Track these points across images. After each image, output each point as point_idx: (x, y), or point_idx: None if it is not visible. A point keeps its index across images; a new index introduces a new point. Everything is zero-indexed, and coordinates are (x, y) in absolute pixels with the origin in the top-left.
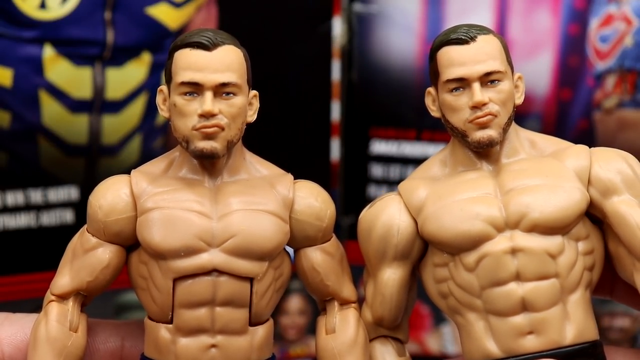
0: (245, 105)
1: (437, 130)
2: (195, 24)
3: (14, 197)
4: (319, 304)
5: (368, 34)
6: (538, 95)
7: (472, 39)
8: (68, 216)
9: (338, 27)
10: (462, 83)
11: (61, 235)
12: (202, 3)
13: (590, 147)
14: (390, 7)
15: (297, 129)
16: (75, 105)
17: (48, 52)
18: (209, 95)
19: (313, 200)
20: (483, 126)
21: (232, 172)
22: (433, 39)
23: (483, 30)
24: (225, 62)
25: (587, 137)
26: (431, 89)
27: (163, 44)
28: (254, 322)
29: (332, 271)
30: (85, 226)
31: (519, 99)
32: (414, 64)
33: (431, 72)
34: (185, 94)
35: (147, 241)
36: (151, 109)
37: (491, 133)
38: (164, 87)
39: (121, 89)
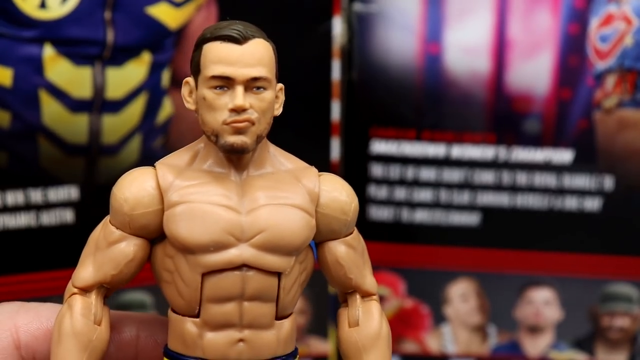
0: (274, 99)
1: (437, 130)
2: (195, 23)
3: (14, 197)
4: (340, 296)
5: (368, 33)
6: (538, 95)
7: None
8: (68, 216)
9: (338, 27)
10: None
11: (61, 235)
12: (202, 3)
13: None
14: (390, 7)
15: (297, 128)
16: (75, 105)
17: (48, 51)
18: (240, 89)
19: (338, 194)
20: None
21: (257, 165)
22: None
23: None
24: (256, 55)
25: (587, 136)
26: (190, 80)
27: (163, 43)
28: (279, 316)
29: (355, 264)
30: (108, 218)
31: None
32: (414, 63)
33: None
34: (216, 87)
35: (175, 236)
36: (151, 108)
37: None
38: (190, 79)
39: (121, 88)
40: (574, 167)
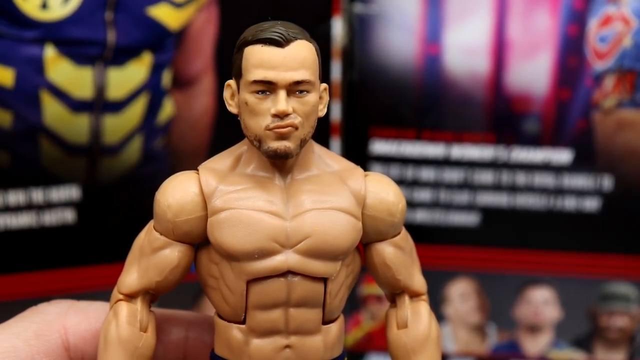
0: (318, 102)
1: (437, 130)
2: (196, 24)
3: (15, 197)
4: (387, 297)
5: (368, 34)
6: (537, 96)
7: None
8: (69, 216)
9: (338, 27)
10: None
11: (62, 235)
12: (203, 3)
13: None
14: (390, 7)
15: None
16: (76, 105)
17: (49, 52)
18: (282, 94)
19: (385, 195)
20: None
21: (302, 168)
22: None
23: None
24: (298, 59)
25: (586, 137)
26: (232, 82)
27: (164, 44)
28: (326, 320)
29: (403, 265)
30: (152, 223)
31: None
32: (414, 64)
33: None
34: (258, 92)
35: (219, 243)
36: (152, 109)
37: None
38: (232, 82)
39: (122, 89)
40: (573, 167)
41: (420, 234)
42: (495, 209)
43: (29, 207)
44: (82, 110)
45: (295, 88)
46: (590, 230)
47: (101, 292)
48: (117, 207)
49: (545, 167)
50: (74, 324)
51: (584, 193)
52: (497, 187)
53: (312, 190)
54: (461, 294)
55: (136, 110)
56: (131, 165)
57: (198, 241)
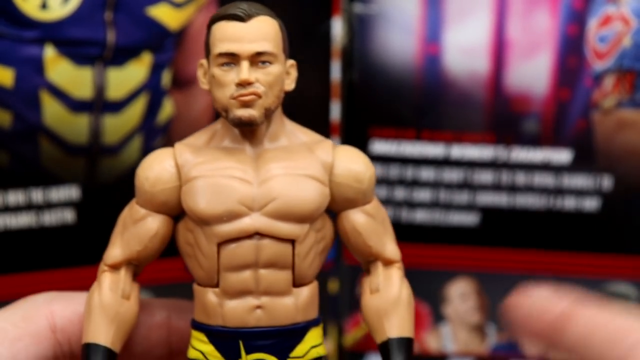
0: (282, 74)
1: (437, 130)
2: (196, 24)
3: (15, 197)
4: (363, 265)
5: (368, 34)
6: (536, 96)
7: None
8: (69, 216)
9: (338, 27)
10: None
11: (62, 235)
12: (203, 3)
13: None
14: (390, 7)
15: None
16: (76, 105)
17: (49, 52)
18: (245, 64)
19: (353, 164)
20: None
21: (272, 139)
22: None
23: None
24: (260, 32)
25: (585, 137)
26: (204, 61)
27: (163, 44)
28: (297, 283)
29: (374, 232)
30: (135, 199)
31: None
32: (414, 64)
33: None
34: (223, 64)
35: (191, 208)
36: (152, 109)
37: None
38: (204, 61)
39: (122, 89)
40: (573, 167)
41: (420, 234)
42: (495, 209)
43: (29, 207)
44: (82, 110)
45: (257, 59)
46: (590, 230)
47: None
48: (117, 207)
49: (545, 167)
50: (60, 308)
51: (583, 193)
52: (497, 187)
53: (281, 157)
54: (461, 294)
55: (136, 110)
56: (131, 165)
57: (176, 212)
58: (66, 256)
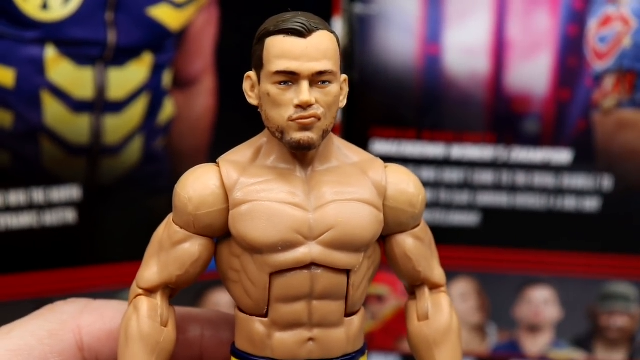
0: (340, 93)
1: (437, 129)
2: (196, 24)
3: (16, 197)
4: (407, 289)
5: (368, 34)
6: (537, 96)
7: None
8: (70, 216)
9: (338, 27)
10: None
11: (63, 235)
12: (204, 4)
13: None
14: (390, 7)
15: None
16: (77, 106)
17: (50, 52)
18: (305, 84)
19: (406, 186)
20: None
21: (323, 160)
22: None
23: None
24: (320, 49)
25: (585, 137)
26: (252, 74)
27: (164, 44)
28: (348, 312)
29: (423, 257)
30: (171, 217)
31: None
32: (414, 64)
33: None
34: (280, 83)
35: (242, 235)
36: (152, 109)
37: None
38: (252, 74)
39: (123, 89)
40: (573, 167)
41: None
42: (495, 208)
43: (30, 207)
44: (83, 111)
45: (317, 79)
46: (590, 230)
47: (101, 293)
48: (117, 207)
49: (545, 167)
50: (88, 323)
51: (583, 193)
52: (497, 187)
53: (334, 181)
54: (461, 294)
55: (137, 110)
56: (132, 165)
57: (219, 234)
58: (67, 256)
